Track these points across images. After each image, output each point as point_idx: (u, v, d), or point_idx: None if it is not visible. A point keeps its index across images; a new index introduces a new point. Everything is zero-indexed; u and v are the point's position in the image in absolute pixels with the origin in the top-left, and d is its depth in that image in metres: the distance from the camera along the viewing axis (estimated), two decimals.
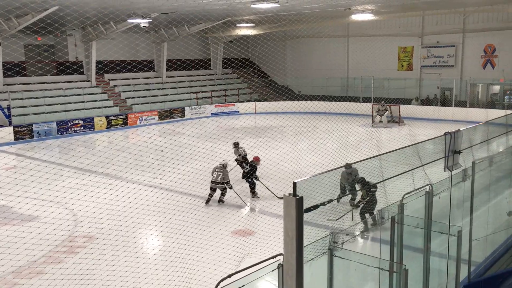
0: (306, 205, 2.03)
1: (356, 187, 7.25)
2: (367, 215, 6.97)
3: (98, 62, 30.03)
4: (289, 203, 2.00)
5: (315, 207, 2.08)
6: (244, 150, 15.96)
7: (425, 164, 3.70)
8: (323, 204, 2.14)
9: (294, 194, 1.99)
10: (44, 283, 7.91)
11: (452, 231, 5.09)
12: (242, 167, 14.50)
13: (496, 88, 31.54)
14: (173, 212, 11.56)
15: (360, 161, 2.98)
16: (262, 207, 12.65)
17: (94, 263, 8.49)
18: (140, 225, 11.48)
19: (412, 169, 3.70)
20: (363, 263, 4.21)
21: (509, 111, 5.90)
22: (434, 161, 3.80)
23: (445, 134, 3.47)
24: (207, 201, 13.03)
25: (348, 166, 6.20)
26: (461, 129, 3.52)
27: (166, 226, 10.61)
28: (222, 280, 3.44)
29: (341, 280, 4.49)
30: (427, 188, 5.48)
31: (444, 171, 3.85)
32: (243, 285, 3.45)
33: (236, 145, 16.39)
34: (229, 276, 3.46)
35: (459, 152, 3.48)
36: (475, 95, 31.88)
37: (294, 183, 2.00)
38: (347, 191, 7.30)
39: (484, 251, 7.43)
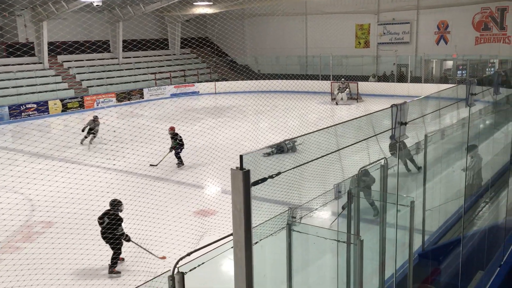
0: (255, 178, 2.05)
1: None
2: None
3: (50, 44, 28.92)
4: (236, 176, 2.01)
5: (263, 180, 2.10)
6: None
7: (377, 134, 3.78)
8: (271, 177, 2.17)
9: (241, 168, 2.00)
10: (1, 270, 7.71)
11: (405, 201, 5.26)
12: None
13: (449, 64, 32.51)
14: (134, 194, 11.42)
15: (310, 132, 3.02)
16: (224, 187, 12.67)
17: (53, 247, 8.31)
18: (99, 209, 11.28)
19: (366, 139, 3.78)
20: (321, 236, 4.31)
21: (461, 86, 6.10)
22: (383, 132, 3.89)
23: (391, 106, 3.56)
24: None
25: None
26: (407, 101, 3.62)
27: (126, 209, 10.47)
28: (181, 259, 3.44)
29: (300, 253, 4.59)
30: (382, 161, 5.62)
31: (391, 142, 3.96)
32: (203, 263, 3.47)
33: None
34: (188, 254, 3.46)
35: (406, 123, 3.58)
36: (429, 70, 32.77)
37: (241, 156, 2.01)
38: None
39: (437, 221, 7.74)
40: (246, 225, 1.92)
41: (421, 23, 32.33)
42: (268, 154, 14.55)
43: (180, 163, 14.90)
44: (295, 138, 2.84)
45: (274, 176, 2.17)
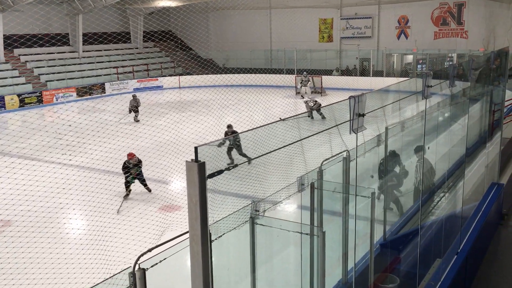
0: (212, 171, 2.03)
1: None
2: None
3: (6, 37, 27.87)
4: (191, 169, 1.99)
5: (219, 172, 2.08)
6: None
7: (338, 125, 3.83)
8: (227, 169, 2.16)
9: (196, 160, 1.97)
10: None
11: (366, 193, 5.36)
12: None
13: (410, 58, 33.29)
14: (93, 191, 11.18)
15: (271, 123, 3.02)
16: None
17: (10, 250, 8.05)
18: (58, 208, 11.00)
19: (327, 129, 3.81)
20: (285, 228, 4.33)
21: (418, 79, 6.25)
22: (342, 123, 3.94)
23: (349, 98, 3.60)
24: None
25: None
26: (364, 93, 3.68)
27: (86, 208, 10.26)
28: (142, 255, 3.39)
29: (263, 246, 4.60)
30: (344, 154, 5.69)
31: (350, 133, 4.01)
32: (165, 258, 3.43)
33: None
34: (149, 250, 3.41)
35: (363, 115, 3.64)
36: (390, 65, 33.46)
37: (195, 148, 1.99)
38: None
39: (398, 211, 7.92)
40: (202, 218, 1.90)
41: (383, 18, 32.94)
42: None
43: (148, 188, 12.55)
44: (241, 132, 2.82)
45: (230, 168, 2.16)
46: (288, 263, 5.40)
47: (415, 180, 7.26)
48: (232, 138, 13.31)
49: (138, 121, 21.91)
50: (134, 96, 22.50)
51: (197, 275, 1.95)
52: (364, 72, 32.22)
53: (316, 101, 21.35)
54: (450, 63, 30.52)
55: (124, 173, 11.87)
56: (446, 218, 6.80)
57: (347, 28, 34.21)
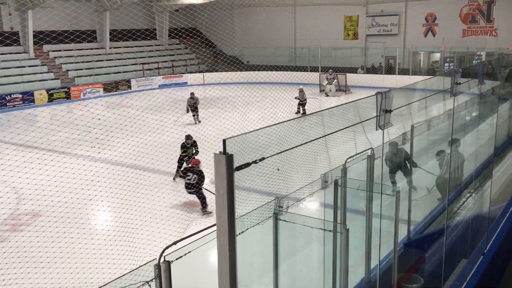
0: (239, 163, 2.06)
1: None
2: None
3: (36, 33, 28.52)
4: (219, 161, 2.02)
5: (247, 165, 2.11)
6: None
7: (363, 121, 3.81)
8: (255, 162, 2.18)
9: (224, 152, 2.00)
10: None
11: (390, 192, 5.32)
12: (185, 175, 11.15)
13: (437, 56, 32.72)
14: (121, 185, 11.37)
15: (292, 119, 3.03)
16: (213, 178, 12.65)
17: (40, 240, 8.27)
18: (86, 200, 11.24)
19: (352, 125, 3.80)
20: (308, 225, 4.34)
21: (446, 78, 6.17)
22: (369, 119, 3.92)
23: (376, 94, 3.58)
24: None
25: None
26: (392, 89, 3.65)
27: (113, 201, 10.44)
28: (167, 248, 3.45)
29: (286, 242, 4.62)
30: (369, 152, 5.66)
31: (376, 130, 3.99)
32: (189, 251, 3.48)
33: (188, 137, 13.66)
34: (174, 243, 3.47)
35: (390, 111, 3.61)
36: (417, 63, 32.95)
37: (224, 141, 2.02)
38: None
39: (423, 211, 7.83)
40: (229, 210, 1.93)
41: (410, 15, 32.45)
42: None
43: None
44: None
45: (258, 161, 2.18)
46: (310, 260, 5.40)
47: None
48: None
49: (199, 121, 20.41)
50: (192, 94, 20.81)
51: (224, 267, 1.98)
52: (389, 70, 31.83)
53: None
54: (479, 61, 29.88)
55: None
56: (472, 218, 6.69)
57: (372, 25, 33.83)
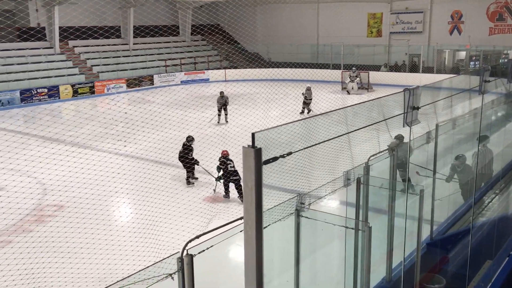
0: (265, 157, 2.06)
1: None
2: None
3: (61, 28, 29.01)
4: (247, 154, 2.02)
5: (274, 159, 2.11)
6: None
7: (387, 119, 3.77)
8: (282, 156, 2.18)
9: (253, 146, 2.01)
10: (14, 252, 7.84)
11: (415, 190, 5.26)
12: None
13: (462, 54, 32.13)
14: (144, 180, 11.50)
15: (322, 113, 3.02)
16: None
17: (65, 231, 8.43)
18: (110, 193, 11.41)
19: (376, 123, 3.77)
20: (330, 222, 4.33)
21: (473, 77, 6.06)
22: (394, 116, 3.88)
23: (404, 90, 3.54)
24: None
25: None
26: (420, 86, 3.60)
27: (137, 195, 10.59)
28: (190, 241, 3.48)
29: (308, 239, 4.61)
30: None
31: (403, 126, 3.95)
32: (212, 246, 3.51)
33: None
34: (197, 237, 3.50)
35: (418, 108, 3.56)
36: (441, 61, 32.41)
37: (253, 134, 2.03)
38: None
39: (446, 211, 7.72)
40: (257, 203, 1.94)
41: (435, 13, 31.92)
42: None
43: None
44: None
45: (285, 155, 2.18)
46: (331, 258, 5.39)
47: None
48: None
49: (226, 121, 19.93)
50: (221, 94, 20.14)
51: (250, 260, 1.99)
52: (413, 68, 31.39)
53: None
54: (505, 60, 29.23)
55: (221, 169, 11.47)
56: (498, 219, 6.57)
57: (397, 23, 33.40)
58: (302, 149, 2.38)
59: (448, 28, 31.56)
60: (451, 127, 7.35)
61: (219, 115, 19.95)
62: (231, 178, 11.02)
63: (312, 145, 2.61)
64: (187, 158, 12.32)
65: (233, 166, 11.07)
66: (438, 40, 31.41)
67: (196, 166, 12.61)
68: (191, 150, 12.55)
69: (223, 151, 11.56)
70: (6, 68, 26.12)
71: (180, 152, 12.58)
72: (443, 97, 5.85)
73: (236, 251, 7.71)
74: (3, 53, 26.86)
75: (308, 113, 21.35)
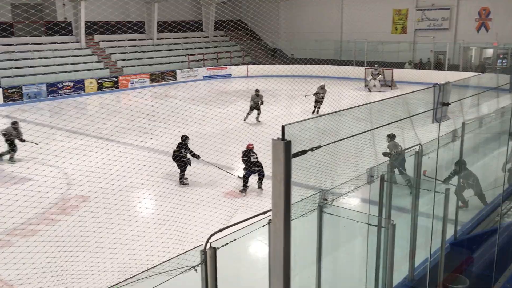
0: (294, 151, 2.06)
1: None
2: None
3: (87, 23, 29.43)
4: (277, 147, 2.03)
5: (303, 152, 2.11)
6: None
7: (412, 116, 3.72)
8: (311, 149, 2.18)
9: (283, 138, 2.01)
10: (38, 242, 8.02)
11: (440, 189, 5.19)
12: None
13: (489, 52, 31.45)
14: (165, 174, 11.63)
15: (347, 109, 2.99)
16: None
17: (88, 223, 8.57)
18: (133, 187, 11.57)
19: (400, 120, 3.72)
20: (352, 219, 4.31)
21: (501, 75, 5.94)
22: (421, 113, 3.83)
23: (434, 85, 3.49)
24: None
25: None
26: (450, 82, 3.54)
27: (158, 187, 10.71)
28: (213, 234, 3.51)
29: (330, 235, 4.60)
30: (417, 148, 5.54)
31: (432, 122, 3.89)
32: (235, 239, 3.53)
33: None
34: (220, 230, 3.53)
35: (448, 104, 3.51)
36: (468, 59, 31.79)
37: (283, 127, 2.03)
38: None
39: (471, 211, 7.60)
40: (285, 196, 1.94)
41: (462, 9, 31.30)
42: None
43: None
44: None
45: (314, 149, 2.18)
46: (353, 255, 5.36)
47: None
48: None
49: (258, 121, 19.07)
50: (257, 92, 19.09)
51: (278, 252, 2.00)
52: (438, 66, 30.87)
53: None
54: None
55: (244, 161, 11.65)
56: None
57: (422, 19, 32.87)
58: (330, 143, 2.38)
59: (475, 25, 30.92)
60: (478, 125, 7.22)
61: (249, 114, 18.99)
62: (253, 168, 11.41)
63: (340, 140, 2.60)
64: (182, 157, 12.00)
65: (256, 158, 11.46)
66: (465, 37, 30.81)
67: (208, 163, 12.43)
68: (187, 149, 12.21)
69: (248, 145, 11.88)
70: (33, 62, 26.64)
71: (175, 152, 12.23)
72: (470, 95, 5.75)
73: (257, 246, 7.74)
74: (30, 47, 27.40)
75: (317, 113, 20.32)
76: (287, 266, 1.93)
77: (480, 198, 7.48)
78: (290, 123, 2.06)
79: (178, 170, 12.06)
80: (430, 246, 4.69)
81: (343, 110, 3.19)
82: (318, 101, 20.57)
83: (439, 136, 4.08)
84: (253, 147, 11.78)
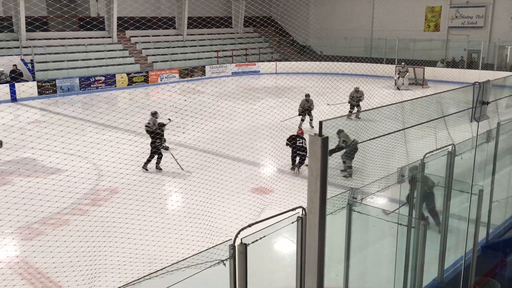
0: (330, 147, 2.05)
1: None
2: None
3: (119, 19, 29.91)
4: (314, 143, 2.02)
5: (340, 148, 2.10)
6: None
7: (447, 115, 3.65)
8: (347, 146, 2.16)
9: (320, 134, 2.00)
10: (69, 233, 8.23)
11: (473, 190, 5.08)
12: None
13: None
14: (193, 168, 11.72)
15: (378, 108, 2.95)
16: (281, 166, 12.73)
17: (120, 214, 8.72)
18: (161, 180, 11.72)
19: (434, 119, 3.66)
20: (382, 218, 4.26)
21: None
22: (457, 112, 3.75)
23: (474, 84, 3.40)
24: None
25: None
26: (490, 80, 3.45)
27: (186, 183, 10.82)
28: (242, 229, 3.52)
29: (359, 234, 4.56)
30: (450, 148, 5.43)
31: (471, 121, 3.80)
32: (264, 236, 3.54)
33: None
34: (250, 225, 3.54)
35: (487, 103, 3.42)
36: (503, 58, 30.92)
37: (320, 123, 2.02)
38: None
39: (503, 213, 7.41)
40: (321, 192, 1.94)
41: (498, 7, 30.45)
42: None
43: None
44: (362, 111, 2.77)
45: (351, 146, 2.16)
46: (381, 255, 5.30)
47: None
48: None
49: (312, 127, 17.52)
50: (307, 96, 17.39)
51: (312, 248, 2.00)
52: (472, 65, 30.13)
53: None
54: None
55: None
56: None
57: (456, 17, 32.13)
58: (366, 140, 2.35)
59: (511, 24, 30.04)
60: None
61: (302, 120, 17.40)
62: (298, 152, 12.35)
63: (375, 138, 2.57)
64: (156, 142, 12.42)
65: (302, 143, 12.38)
66: (500, 36, 29.97)
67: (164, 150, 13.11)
68: (162, 131, 12.70)
69: (298, 130, 13.40)
70: (67, 56, 27.26)
71: (149, 127, 12.78)
72: (507, 95, 5.60)
73: (283, 243, 7.74)
74: (65, 42, 28.04)
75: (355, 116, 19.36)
76: (321, 261, 1.92)
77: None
78: (327, 119, 2.05)
79: (207, 166, 12.13)
80: (464, 248, 4.60)
81: (375, 108, 3.15)
82: (355, 105, 19.10)
83: (477, 135, 3.99)
84: (302, 133, 13.10)
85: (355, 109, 19.32)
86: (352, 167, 9.92)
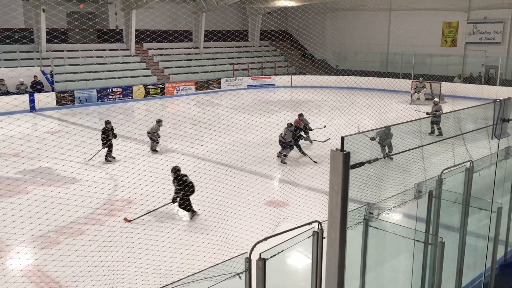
0: (351, 162, 2.05)
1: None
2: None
3: (137, 31, 30.37)
4: (336, 158, 2.02)
5: (361, 164, 2.10)
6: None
7: (464, 133, 3.63)
8: (368, 162, 2.16)
9: (341, 149, 2.01)
10: (84, 242, 8.29)
11: (492, 207, 5.01)
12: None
13: None
14: (208, 181, 11.74)
15: (394, 124, 2.95)
16: (295, 180, 12.70)
17: (135, 224, 8.79)
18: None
19: (452, 137, 3.64)
20: (399, 234, 4.23)
21: None
22: (477, 129, 3.73)
23: (494, 101, 3.38)
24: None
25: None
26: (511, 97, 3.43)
27: (201, 195, 10.83)
28: (258, 243, 3.52)
29: (375, 250, 4.52)
30: (468, 164, 5.38)
31: (491, 139, 3.77)
32: (282, 251, 3.53)
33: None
34: (265, 239, 3.54)
35: (508, 121, 3.39)
36: None
37: (342, 138, 2.02)
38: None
39: None
40: (342, 206, 1.94)
41: None
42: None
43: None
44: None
45: (372, 161, 2.17)
46: (398, 271, 5.24)
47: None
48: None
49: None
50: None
51: (333, 261, 2.00)
52: (489, 81, 29.86)
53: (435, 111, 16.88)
54: None
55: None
56: None
57: (474, 32, 31.96)
58: (387, 157, 2.34)
59: None
60: None
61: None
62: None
63: (396, 153, 2.57)
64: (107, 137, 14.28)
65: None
66: None
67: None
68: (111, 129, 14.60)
69: (296, 120, 14.96)
70: (85, 68, 27.71)
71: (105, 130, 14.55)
72: None
73: (296, 257, 7.69)
74: (83, 53, 28.53)
75: (438, 134, 14.28)
76: (341, 276, 1.91)
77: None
78: (349, 134, 2.06)
79: (221, 178, 12.15)
80: (484, 266, 4.53)
81: (394, 124, 3.16)
82: (436, 121, 15.34)
83: (497, 152, 3.95)
84: (299, 123, 14.91)
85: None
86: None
